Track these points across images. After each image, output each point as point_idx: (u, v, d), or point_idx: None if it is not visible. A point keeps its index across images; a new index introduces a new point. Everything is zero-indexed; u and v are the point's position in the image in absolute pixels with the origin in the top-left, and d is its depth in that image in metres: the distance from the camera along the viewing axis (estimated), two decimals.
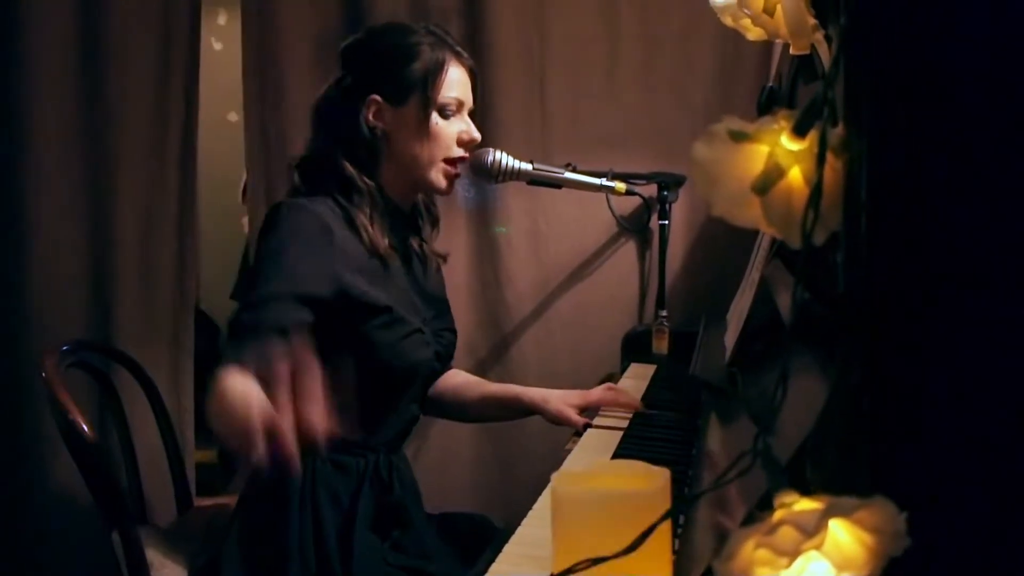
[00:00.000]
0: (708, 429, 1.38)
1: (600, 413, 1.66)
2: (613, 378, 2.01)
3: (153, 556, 1.52)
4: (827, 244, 0.63)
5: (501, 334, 2.38)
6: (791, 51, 0.86)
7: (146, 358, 2.02)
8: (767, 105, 1.76)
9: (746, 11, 0.87)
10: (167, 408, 1.92)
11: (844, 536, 0.57)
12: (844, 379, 0.61)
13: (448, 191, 1.55)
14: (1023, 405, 0.60)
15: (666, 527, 0.73)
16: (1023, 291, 0.60)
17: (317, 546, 1.40)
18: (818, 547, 0.54)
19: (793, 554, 0.53)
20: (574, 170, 2.09)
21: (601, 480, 0.81)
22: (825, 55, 0.83)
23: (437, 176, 1.51)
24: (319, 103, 1.52)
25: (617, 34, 2.33)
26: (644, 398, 1.75)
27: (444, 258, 1.68)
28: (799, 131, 0.62)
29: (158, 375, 2.14)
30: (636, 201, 2.30)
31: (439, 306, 1.66)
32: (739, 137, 0.63)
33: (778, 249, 1.50)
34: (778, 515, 0.56)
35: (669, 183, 2.20)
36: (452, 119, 1.50)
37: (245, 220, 2.77)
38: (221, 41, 4.20)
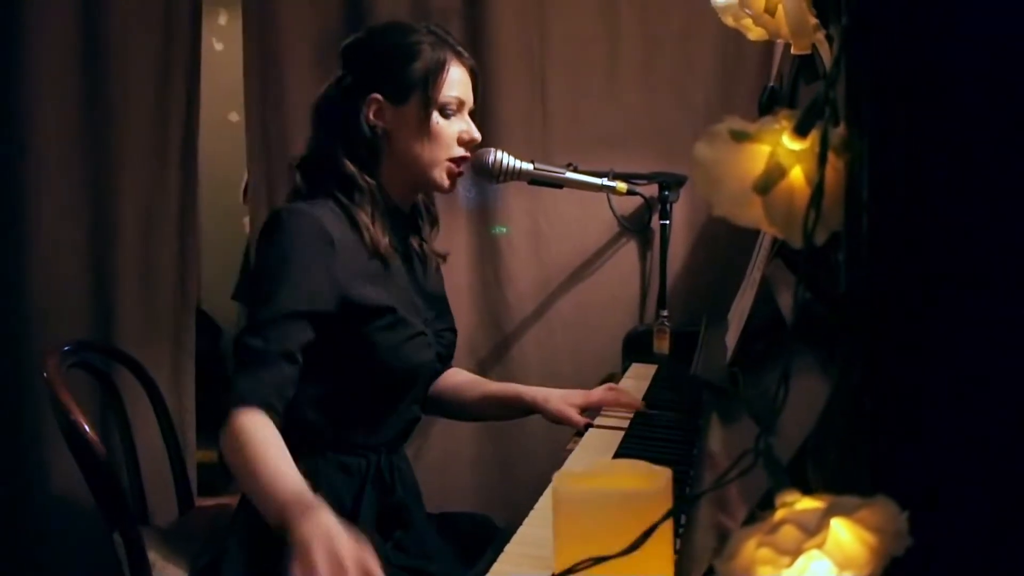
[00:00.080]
0: (709, 429, 1.38)
1: (601, 413, 1.67)
2: (614, 378, 2.01)
3: (154, 556, 1.52)
4: (828, 244, 0.63)
5: (502, 334, 2.38)
6: (792, 51, 0.87)
7: (147, 358, 2.02)
8: (768, 105, 1.77)
9: (747, 11, 0.87)
10: (168, 408, 1.92)
11: (846, 535, 0.57)
12: (845, 379, 0.61)
13: (451, 189, 1.55)
14: (1023, 405, 0.60)
15: (668, 527, 0.73)
16: (1023, 291, 0.60)
17: None
18: (820, 546, 0.54)
19: (795, 553, 0.53)
20: (575, 170, 2.09)
21: (602, 480, 0.81)
22: (826, 55, 0.83)
23: (440, 175, 1.51)
24: (319, 102, 1.52)
25: (617, 34, 2.33)
26: (645, 398, 1.75)
27: (444, 258, 1.68)
28: (800, 131, 0.62)
29: (159, 375, 2.14)
30: (637, 201, 2.31)
31: (439, 305, 1.66)
32: (740, 137, 0.63)
33: (779, 249, 1.50)
34: (780, 514, 0.56)
35: (670, 183, 2.21)
36: (453, 119, 1.50)
37: (246, 220, 2.78)
38: (222, 41, 4.20)
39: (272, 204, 2.36)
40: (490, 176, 1.96)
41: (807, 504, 0.56)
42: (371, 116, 1.48)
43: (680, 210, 2.27)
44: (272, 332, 1.31)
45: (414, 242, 1.60)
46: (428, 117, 1.47)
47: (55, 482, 2.27)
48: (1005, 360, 0.60)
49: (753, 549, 0.55)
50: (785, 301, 1.28)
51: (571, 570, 0.67)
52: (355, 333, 1.40)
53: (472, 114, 1.55)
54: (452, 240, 2.29)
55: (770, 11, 0.86)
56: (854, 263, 0.62)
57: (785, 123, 0.63)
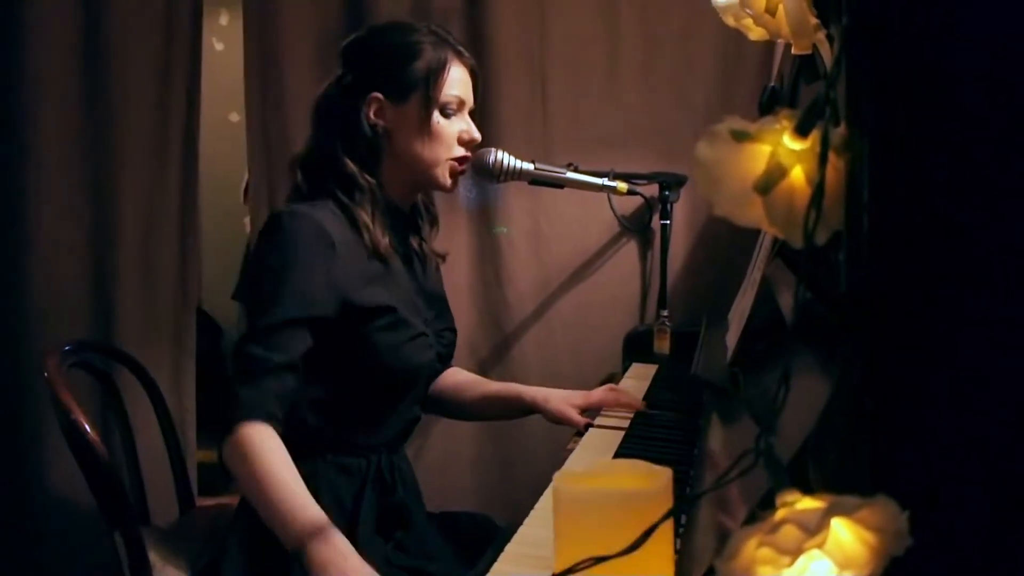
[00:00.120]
0: (710, 429, 1.38)
1: (602, 413, 1.66)
2: (615, 378, 2.01)
3: (155, 556, 1.52)
4: (829, 244, 0.63)
5: (503, 334, 2.38)
6: (793, 51, 0.87)
7: (148, 358, 2.02)
8: (769, 105, 1.77)
9: (748, 11, 0.87)
10: (169, 408, 1.92)
11: (846, 535, 0.57)
12: (845, 379, 0.61)
13: (453, 188, 1.55)
14: (1023, 405, 0.60)
15: (668, 527, 0.73)
16: (1023, 291, 0.60)
17: None
18: (820, 546, 0.54)
19: (795, 553, 0.53)
20: (575, 170, 2.09)
21: (603, 480, 0.81)
22: (827, 55, 0.83)
23: (443, 174, 1.51)
24: (319, 101, 1.52)
25: (617, 34, 2.33)
26: (646, 398, 1.75)
27: (443, 257, 1.68)
28: (801, 131, 0.62)
29: (160, 375, 2.14)
30: (637, 201, 2.31)
31: (439, 305, 1.66)
32: (741, 137, 0.63)
33: (780, 249, 1.50)
34: (780, 514, 0.56)
35: (670, 183, 2.21)
36: (453, 119, 1.50)
37: (247, 220, 2.77)
38: (223, 41, 4.20)
39: (273, 204, 2.36)
40: (491, 176, 1.96)
41: (807, 504, 0.56)
42: (371, 115, 1.48)
43: (680, 210, 2.27)
44: (273, 340, 1.31)
45: (414, 242, 1.60)
46: (429, 116, 1.47)
47: (55, 482, 2.27)
48: (1005, 360, 0.61)
49: (753, 549, 0.55)
50: (785, 301, 1.28)
51: (571, 570, 0.67)
52: (355, 334, 1.40)
53: (472, 114, 1.55)
54: (452, 240, 2.29)
55: (771, 11, 0.86)
56: (854, 263, 0.62)
57: (786, 123, 0.63)
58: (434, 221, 1.65)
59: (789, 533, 0.54)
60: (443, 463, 2.34)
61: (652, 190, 2.25)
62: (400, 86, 1.47)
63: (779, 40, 0.93)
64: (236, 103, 2.99)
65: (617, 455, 1.42)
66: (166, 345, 2.36)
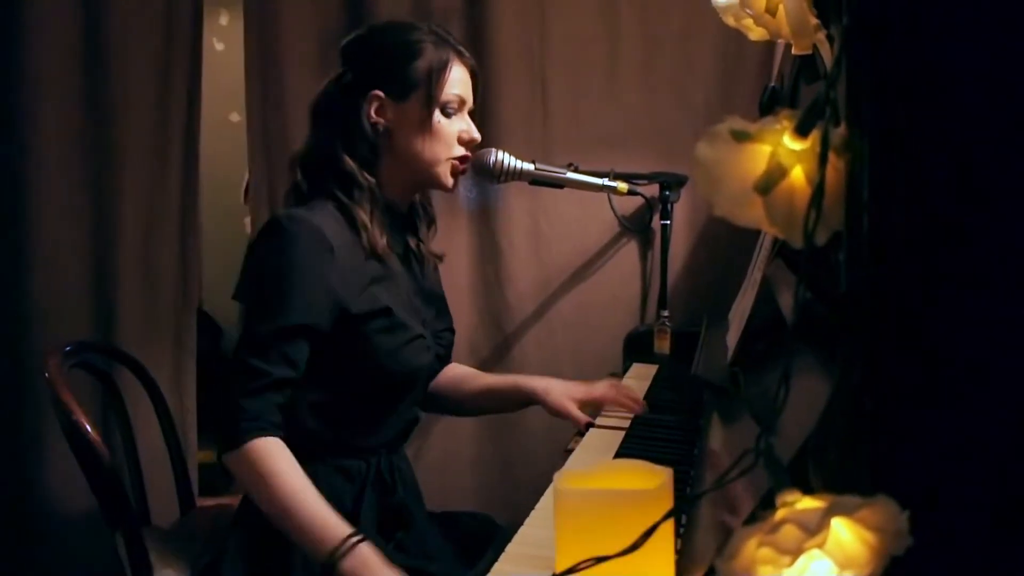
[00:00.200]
0: (710, 429, 1.38)
1: (603, 413, 1.66)
2: (615, 378, 2.01)
3: (155, 556, 1.53)
4: (829, 244, 0.63)
5: (503, 335, 2.38)
6: (793, 51, 0.87)
7: (148, 359, 2.02)
8: (769, 105, 1.77)
9: (748, 11, 0.87)
10: (170, 408, 1.92)
11: (846, 535, 0.57)
12: (846, 379, 0.62)
13: (454, 188, 1.55)
14: (1023, 405, 0.60)
15: (668, 526, 0.73)
16: (1023, 291, 0.60)
17: None
18: (820, 546, 0.54)
19: (795, 553, 0.53)
20: (576, 170, 2.09)
21: (603, 479, 0.81)
22: (827, 55, 0.83)
23: (444, 173, 1.51)
24: (319, 99, 1.52)
25: (617, 34, 2.33)
26: (646, 398, 1.75)
27: (440, 258, 1.67)
28: (801, 131, 0.62)
29: (160, 376, 2.14)
30: (638, 201, 2.31)
31: (438, 304, 1.66)
32: (741, 137, 0.63)
33: (780, 249, 1.50)
34: (780, 514, 0.56)
35: (671, 183, 2.21)
36: (453, 118, 1.50)
37: (247, 220, 2.77)
38: (223, 41, 4.20)
39: (273, 204, 2.36)
40: (491, 176, 1.96)
41: (808, 504, 0.56)
42: (372, 113, 1.47)
43: (681, 210, 2.27)
44: (274, 352, 1.32)
45: (411, 242, 1.60)
46: (430, 115, 1.47)
47: (55, 482, 2.27)
48: (1005, 360, 0.61)
49: (754, 548, 0.55)
50: (786, 301, 1.28)
51: (572, 570, 0.67)
52: (353, 338, 1.40)
53: (472, 114, 1.55)
54: (453, 240, 2.29)
55: (771, 11, 0.86)
56: (854, 263, 0.62)
57: (786, 123, 0.63)
58: (431, 222, 1.65)
59: (789, 533, 0.54)
60: (443, 463, 2.34)
61: (652, 190, 2.25)
62: (401, 84, 1.47)
63: (779, 40, 0.93)
64: (236, 103, 2.99)
65: (617, 455, 1.42)
66: (167, 345, 2.36)
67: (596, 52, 2.34)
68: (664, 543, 0.76)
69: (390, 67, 1.48)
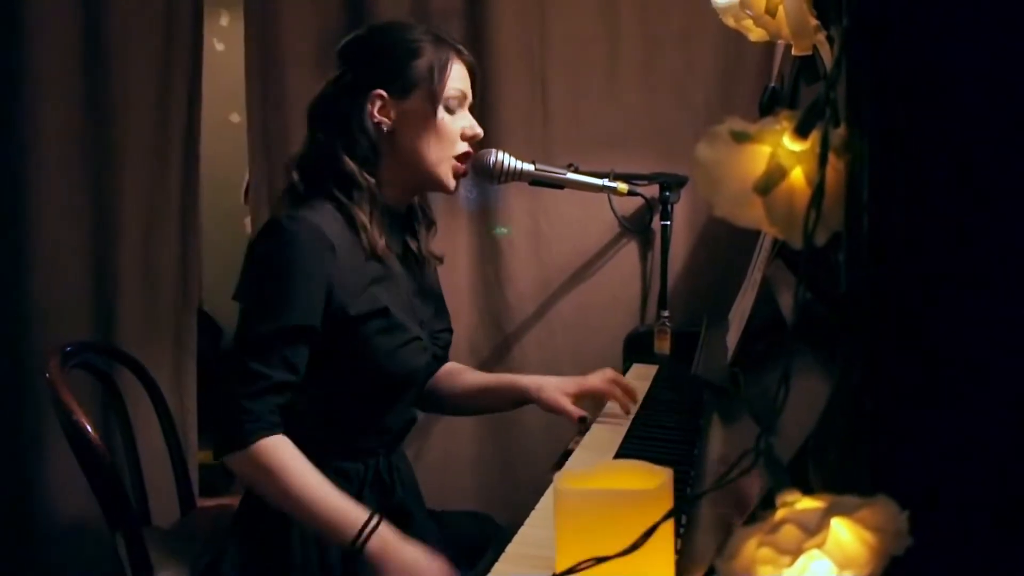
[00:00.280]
0: (710, 429, 1.38)
1: (601, 415, 1.66)
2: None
3: (155, 557, 1.53)
4: (829, 244, 0.63)
5: (503, 335, 2.38)
6: (793, 52, 0.87)
7: (149, 359, 2.02)
8: (769, 105, 1.77)
9: (748, 12, 0.87)
10: (170, 409, 1.92)
11: (846, 535, 0.57)
12: (846, 379, 0.62)
13: (455, 190, 1.55)
14: (1023, 405, 0.60)
15: (668, 526, 0.73)
16: (1023, 291, 0.60)
17: (318, 549, 1.40)
18: (820, 546, 0.54)
19: (795, 553, 0.53)
20: (576, 171, 2.09)
21: (603, 480, 0.81)
22: (827, 56, 0.83)
23: (447, 173, 1.51)
24: (317, 101, 1.52)
25: (617, 34, 2.33)
26: (646, 398, 1.75)
27: (441, 260, 1.67)
28: (801, 132, 0.62)
29: (161, 376, 2.14)
30: (638, 201, 2.31)
31: (436, 303, 1.66)
32: (741, 138, 0.63)
33: (780, 249, 1.50)
34: (780, 514, 0.56)
35: (671, 183, 2.21)
36: (456, 114, 1.50)
37: (247, 221, 2.77)
38: (223, 42, 4.20)
39: (273, 204, 2.36)
40: (491, 177, 1.96)
41: (807, 504, 0.56)
42: (375, 113, 1.47)
43: (681, 211, 2.27)
44: (275, 354, 1.32)
45: (410, 243, 1.60)
46: (434, 112, 1.47)
47: (55, 483, 2.27)
48: (1005, 360, 0.61)
49: (754, 549, 0.55)
50: (786, 301, 1.28)
51: (572, 570, 0.67)
52: (351, 337, 1.40)
53: (471, 111, 1.55)
54: (453, 241, 2.29)
55: (771, 12, 0.86)
56: (854, 263, 0.62)
57: (786, 124, 0.63)
58: (431, 224, 1.65)
59: (789, 533, 0.54)
60: (443, 463, 2.34)
61: (652, 191, 2.25)
62: (403, 82, 1.47)
63: (779, 41, 0.93)
64: (237, 103, 2.99)
65: (617, 455, 1.42)
66: (167, 345, 2.36)
67: (596, 52, 2.34)
68: (664, 543, 0.76)
69: (391, 66, 1.48)
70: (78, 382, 1.68)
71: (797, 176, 0.63)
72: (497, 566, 1.04)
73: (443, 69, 1.48)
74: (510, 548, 1.09)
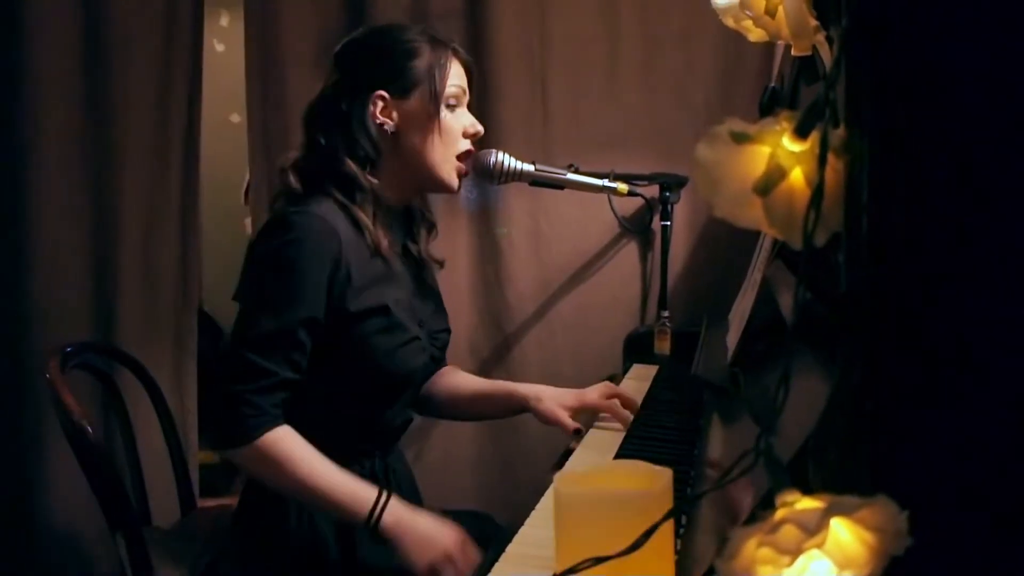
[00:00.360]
0: (710, 429, 1.38)
1: (601, 415, 1.66)
2: (615, 379, 2.00)
3: (156, 557, 1.53)
4: (828, 245, 0.63)
5: (503, 335, 2.38)
6: (793, 52, 0.87)
7: (149, 359, 2.02)
8: (769, 106, 1.77)
9: (748, 13, 0.87)
10: (170, 409, 1.93)
11: (846, 535, 0.57)
12: (845, 379, 0.62)
13: (458, 189, 1.55)
14: (1023, 405, 0.60)
15: (668, 527, 0.73)
16: (1023, 291, 0.60)
17: (317, 549, 1.40)
18: (820, 546, 0.54)
19: (795, 553, 0.53)
20: (576, 171, 2.09)
21: (603, 480, 0.81)
22: (827, 56, 0.83)
23: (451, 173, 1.51)
24: (316, 105, 1.51)
25: (617, 34, 2.33)
26: (646, 398, 1.75)
27: (441, 264, 1.67)
28: (801, 132, 0.62)
29: (161, 376, 2.14)
30: (638, 202, 2.31)
31: (435, 303, 1.66)
32: (741, 138, 0.63)
33: (780, 250, 1.50)
34: (780, 514, 0.56)
35: (671, 184, 2.21)
36: (456, 112, 1.51)
37: (247, 221, 2.77)
38: (224, 42, 4.20)
39: (271, 205, 2.36)
40: (491, 177, 1.96)
41: (807, 504, 0.56)
42: (377, 114, 1.47)
43: (681, 211, 2.27)
44: (279, 351, 1.33)
45: (409, 244, 1.60)
46: (437, 111, 1.47)
47: (55, 482, 2.27)
48: (1005, 360, 0.61)
49: (753, 549, 0.55)
50: (786, 302, 1.28)
51: (572, 570, 0.67)
52: (350, 335, 1.40)
53: (469, 109, 1.56)
54: (453, 241, 2.29)
55: (770, 12, 0.86)
56: (854, 263, 0.62)
57: (785, 124, 0.63)
58: (431, 227, 1.65)
59: (789, 533, 0.54)
60: (443, 463, 2.34)
61: (652, 191, 2.25)
62: (403, 83, 1.47)
63: (779, 41, 0.93)
64: (237, 104, 2.99)
65: (618, 455, 1.42)
66: (167, 346, 2.36)
67: (596, 52, 2.34)
68: (664, 544, 0.76)
69: (391, 67, 1.48)
70: (78, 382, 1.68)
71: (797, 177, 0.63)
72: (497, 566, 1.04)
73: (443, 68, 1.48)
74: (510, 548, 1.09)
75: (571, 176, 2.08)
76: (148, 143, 2.35)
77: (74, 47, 2.31)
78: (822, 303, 0.90)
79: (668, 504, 0.75)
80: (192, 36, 2.37)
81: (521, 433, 2.29)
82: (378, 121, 1.47)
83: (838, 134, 0.62)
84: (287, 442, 1.32)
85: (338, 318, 1.37)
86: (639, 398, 1.71)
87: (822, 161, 0.59)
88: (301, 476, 1.31)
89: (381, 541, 1.31)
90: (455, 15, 2.33)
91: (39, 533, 2.29)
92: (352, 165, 1.45)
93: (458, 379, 1.76)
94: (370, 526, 1.30)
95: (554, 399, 1.65)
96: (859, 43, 0.61)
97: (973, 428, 0.61)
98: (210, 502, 1.99)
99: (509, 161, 1.95)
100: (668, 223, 2.23)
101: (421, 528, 1.32)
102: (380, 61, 1.49)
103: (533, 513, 1.21)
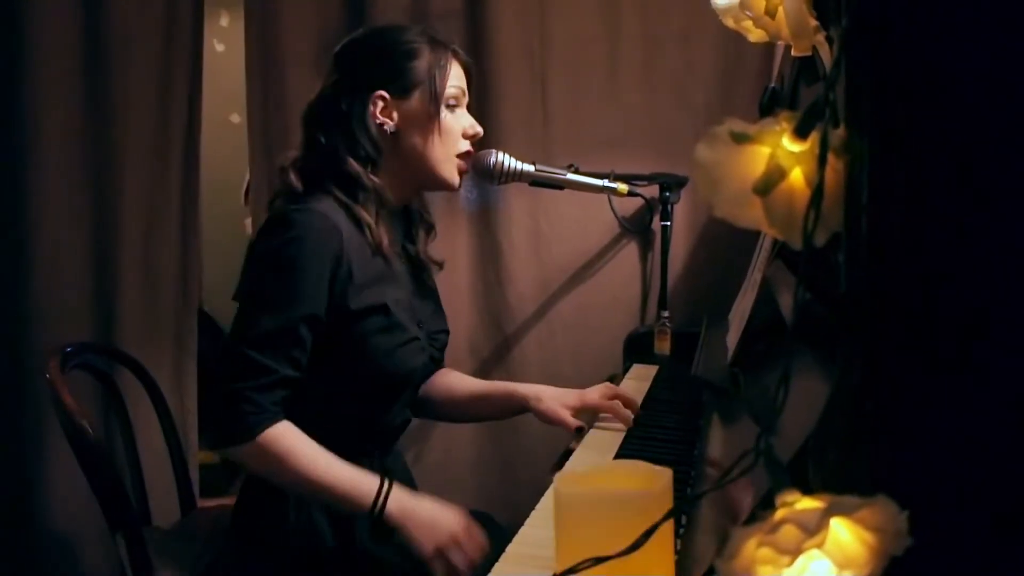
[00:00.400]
0: (710, 429, 1.38)
1: (601, 416, 1.66)
2: (615, 379, 2.00)
3: (156, 557, 1.53)
4: (828, 245, 0.63)
5: (503, 335, 2.38)
6: (793, 52, 0.87)
7: (149, 359, 2.02)
8: (769, 106, 1.77)
9: (748, 13, 0.87)
10: (170, 409, 1.93)
11: (845, 535, 0.57)
12: (845, 379, 0.62)
13: (459, 187, 1.55)
14: (1023, 405, 0.60)
15: (668, 527, 0.73)
16: (1023, 291, 0.60)
17: (315, 546, 1.40)
18: (820, 546, 0.54)
19: (795, 553, 0.53)
20: (576, 171, 2.09)
21: (603, 480, 0.81)
22: (827, 56, 0.83)
23: (452, 172, 1.51)
24: (315, 105, 1.51)
25: (617, 34, 2.33)
26: (646, 399, 1.75)
27: (440, 265, 1.67)
28: (801, 132, 0.62)
29: (161, 376, 2.14)
30: (638, 202, 2.31)
31: (434, 303, 1.66)
32: (741, 138, 0.63)
33: (780, 250, 1.50)
34: (780, 514, 0.56)
35: (671, 184, 2.21)
36: (456, 112, 1.51)
37: (248, 222, 2.77)
38: (224, 43, 4.19)
39: (270, 205, 2.35)
40: (491, 178, 1.96)
41: (807, 504, 0.56)
42: (378, 114, 1.47)
43: (681, 211, 2.27)
44: (282, 348, 1.33)
45: (408, 244, 1.60)
46: (437, 111, 1.47)
47: (55, 483, 2.27)
48: (1005, 360, 0.61)
49: (753, 549, 0.55)
50: (786, 302, 1.28)
51: (572, 570, 0.67)
52: (349, 335, 1.40)
53: (468, 110, 1.56)
54: (453, 242, 2.29)
55: (770, 13, 0.86)
56: (854, 263, 0.62)
57: (785, 124, 0.63)
58: (430, 228, 1.64)
59: (789, 533, 0.54)
60: (443, 463, 2.34)
61: (652, 191, 2.25)
62: (403, 83, 1.48)
63: (779, 41, 0.93)
64: (237, 104, 2.99)
65: (617, 455, 1.42)
66: (167, 346, 2.36)
67: (596, 52, 2.34)
68: (664, 544, 0.76)
69: (391, 67, 1.48)
70: (78, 382, 1.68)
71: (797, 177, 0.63)
72: (497, 566, 1.04)
73: (443, 69, 1.48)
74: (510, 548, 1.09)
75: (571, 176, 2.08)
76: (148, 143, 2.35)
77: (74, 47, 2.31)
78: (822, 303, 0.90)
79: (668, 504, 0.75)
80: (192, 36, 2.37)
81: (521, 433, 2.29)
82: (378, 121, 1.47)
83: (838, 134, 0.62)
84: (288, 437, 1.32)
85: (339, 316, 1.37)
86: (639, 398, 1.71)
87: (822, 161, 0.60)
88: (303, 470, 1.31)
89: (386, 530, 1.31)
90: (455, 15, 2.33)
91: (39, 533, 2.29)
92: (355, 164, 1.45)
93: (456, 380, 1.76)
94: (375, 515, 1.31)
95: (555, 399, 1.65)
96: (859, 43, 0.61)
97: (973, 428, 0.61)
98: (210, 502, 1.99)
99: (509, 161, 1.95)
100: (668, 223, 2.23)
101: (426, 513, 1.33)
102: (380, 61, 1.50)
103: (533, 513, 1.21)
